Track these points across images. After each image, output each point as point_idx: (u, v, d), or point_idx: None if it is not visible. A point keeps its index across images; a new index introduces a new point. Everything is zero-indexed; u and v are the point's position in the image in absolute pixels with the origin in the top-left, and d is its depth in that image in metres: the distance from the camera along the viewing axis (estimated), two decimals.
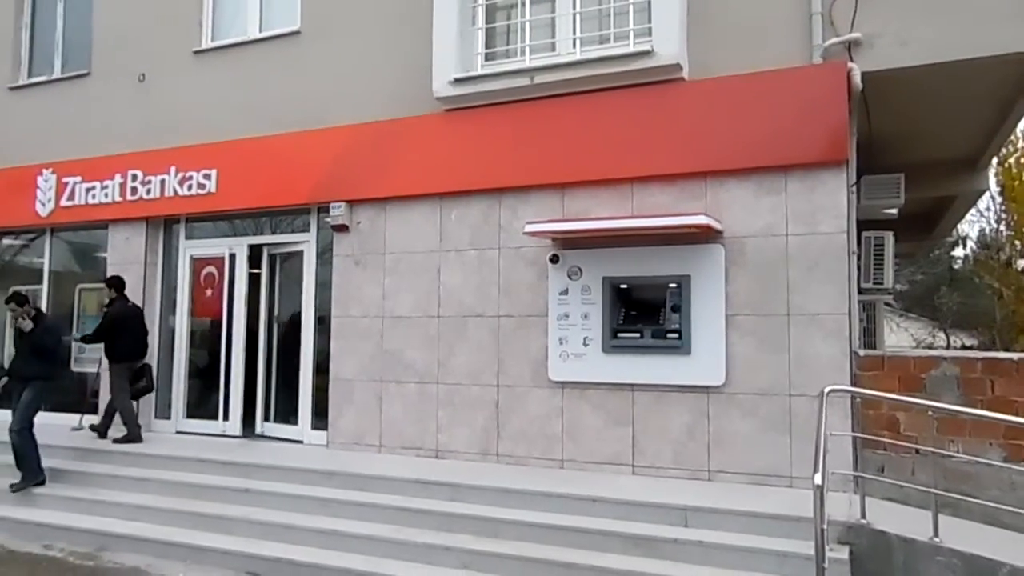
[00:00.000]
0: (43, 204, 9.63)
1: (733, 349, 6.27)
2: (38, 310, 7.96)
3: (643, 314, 6.66)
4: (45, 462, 7.33)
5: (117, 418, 8.23)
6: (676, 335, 6.44)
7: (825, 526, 4.12)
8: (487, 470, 6.68)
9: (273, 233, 8.71)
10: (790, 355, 6.08)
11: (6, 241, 10.57)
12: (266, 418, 8.49)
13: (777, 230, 6.21)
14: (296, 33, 8.39)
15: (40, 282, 10.09)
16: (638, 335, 6.61)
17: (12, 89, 10.25)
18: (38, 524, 6.64)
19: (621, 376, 6.62)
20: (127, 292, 8.49)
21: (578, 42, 7.04)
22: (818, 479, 4.18)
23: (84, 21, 9.90)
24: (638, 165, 6.67)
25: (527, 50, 7.25)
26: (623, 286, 6.75)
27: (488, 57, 7.48)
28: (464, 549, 5.48)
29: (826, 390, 4.99)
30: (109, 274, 8.82)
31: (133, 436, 8.02)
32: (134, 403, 8.33)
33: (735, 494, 5.72)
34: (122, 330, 8.21)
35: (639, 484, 6.13)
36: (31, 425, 7.19)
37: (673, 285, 6.51)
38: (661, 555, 5.14)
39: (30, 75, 10.31)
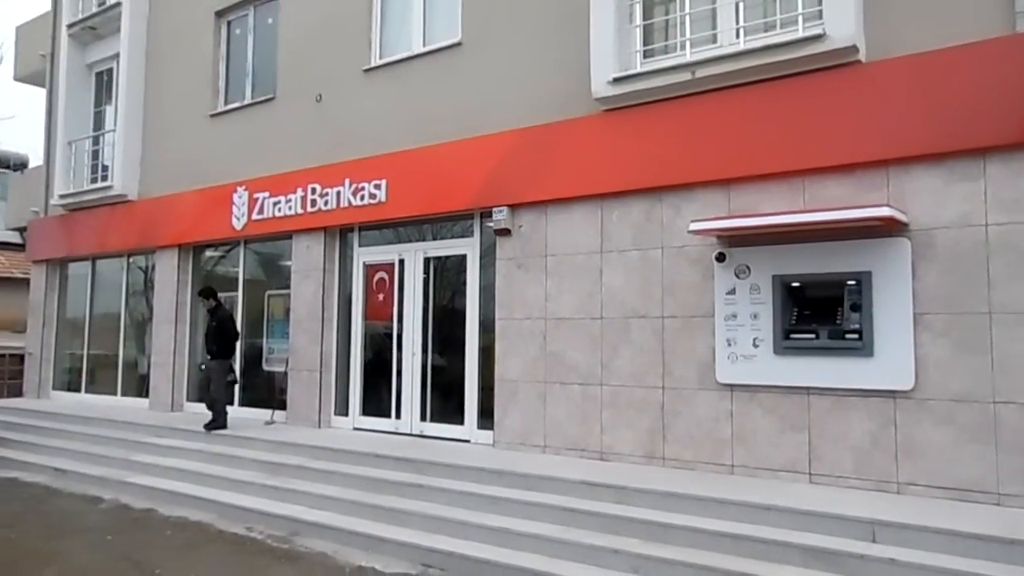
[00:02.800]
0: (237, 218, 10.63)
1: (923, 351, 5.75)
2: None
3: (818, 313, 6.28)
4: (244, 453, 8.17)
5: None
6: (856, 336, 6.02)
7: None
8: (653, 473, 6.57)
9: (436, 239, 9.08)
10: (993, 357, 5.49)
11: (208, 253, 11.77)
12: (433, 418, 8.84)
13: (974, 220, 5.64)
14: (457, 45, 8.71)
15: (235, 289, 11.16)
16: (813, 336, 6.24)
17: (212, 116, 11.42)
18: (242, 508, 7.34)
19: (795, 379, 6.28)
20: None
21: (742, 32, 6.77)
22: None
23: (270, 50, 10.85)
24: (810, 156, 6.30)
25: (687, 44, 7.08)
26: (795, 284, 6.40)
27: (647, 54, 7.38)
28: (633, 553, 5.42)
29: None
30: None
31: (221, 423, 9.29)
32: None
33: (930, 509, 5.25)
34: (230, 330, 9.57)
35: (817, 493, 5.78)
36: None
37: (852, 282, 6.08)
38: (846, 571, 4.81)
39: (226, 102, 11.43)
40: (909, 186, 5.90)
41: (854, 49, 6.06)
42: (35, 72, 15.46)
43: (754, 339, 6.48)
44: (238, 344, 9.98)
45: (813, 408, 6.19)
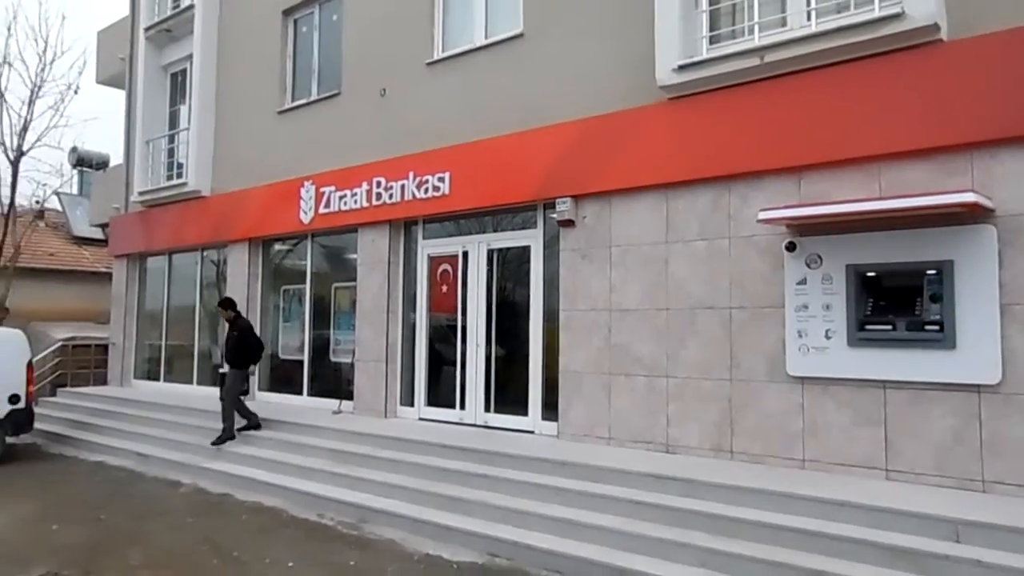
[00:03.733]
0: (305, 212, 10.88)
1: (1011, 343, 5.49)
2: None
3: (895, 304, 6.06)
4: (314, 441, 8.41)
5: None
6: (937, 327, 5.78)
7: None
8: (721, 467, 6.47)
9: (498, 231, 9.11)
10: None
11: (276, 246, 12.10)
12: (497, 408, 8.88)
13: None
14: (519, 36, 8.69)
15: (303, 282, 11.44)
16: (890, 327, 6.02)
17: (280, 113, 11.71)
18: (312, 495, 7.54)
19: (870, 372, 6.07)
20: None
21: (813, 14, 6.55)
22: None
23: (335, 47, 11.04)
24: (886, 141, 6.06)
25: (756, 28, 6.89)
26: (870, 274, 6.19)
27: (713, 40, 7.22)
28: (700, 547, 5.36)
29: None
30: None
31: (228, 436, 9.26)
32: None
33: (1020, 510, 5.01)
34: (250, 341, 9.61)
35: (895, 490, 5.59)
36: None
37: (932, 272, 5.84)
38: (928, 572, 4.65)
39: (293, 99, 11.70)
40: (996, 170, 5.62)
41: (935, 28, 5.80)
42: (115, 75, 16.12)
43: (826, 330, 6.29)
44: (262, 355, 10.01)
45: (890, 402, 5.98)
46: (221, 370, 9.53)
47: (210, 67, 12.98)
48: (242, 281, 12.04)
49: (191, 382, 13.24)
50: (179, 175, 13.32)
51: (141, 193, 13.90)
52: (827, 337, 6.29)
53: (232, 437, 9.30)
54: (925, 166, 5.93)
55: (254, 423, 9.45)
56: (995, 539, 4.68)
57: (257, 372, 11.75)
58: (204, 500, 7.95)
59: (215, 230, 12.46)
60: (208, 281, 13.40)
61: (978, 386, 5.59)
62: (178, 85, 14.25)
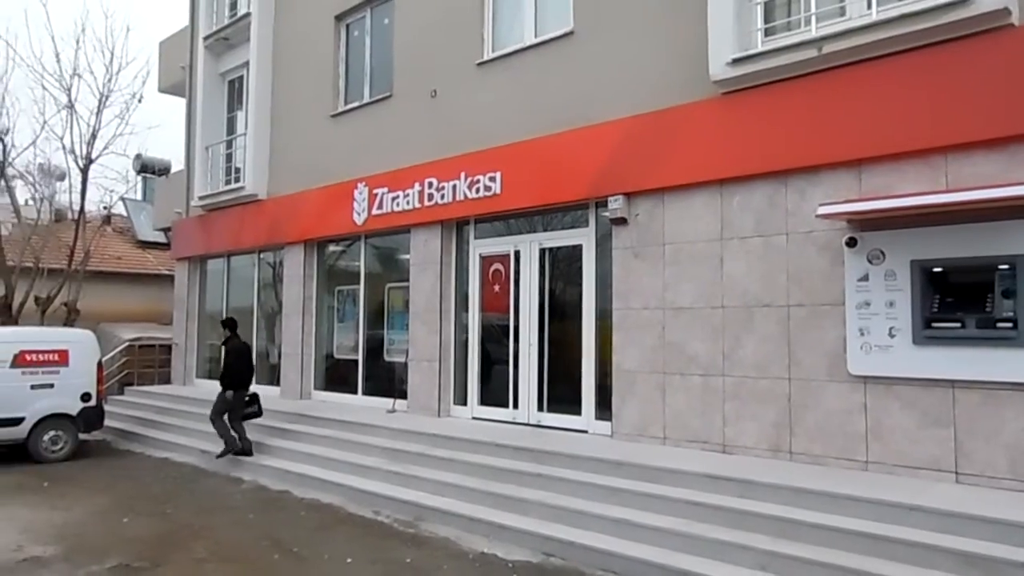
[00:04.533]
0: (358, 214, 11.04)
1: None
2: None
3: (964, 300, 5.84)
4: (369, 440, 8.60)
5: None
6: (1010, 324, 5.55)
7: None
8: (780, 468, 6.33)
9: (549, 230, 9.09)
10: None
11: (331, 248, 12.32)
12: (550, 408, 8.86)
13: None
14: (569, 34, 8.66)
15: (357, 283, 11.62)
16: (958, 324, 5.80)
17: (333, 116, 11.91)
18: (368, 492, 7.65)
19: (937, 371, 5.87)
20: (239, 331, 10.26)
21: (874, 2, 6.35)
22: None
23: (387, 49, 11.18)
24: (953, 131, 5.85)
25: (812, 19, 6.72)
26: (937, 270, 5.98)
27: (768, 32, 7.07)
28: (761, 549, 5.25)
29: None
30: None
31: (230, 447, 9.22)
32: (243, 424, 9.48)
33: None
34: (237, 362, 9.58)
35: (966, 494, 5.39)
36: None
37: (1004, 267, 5.61)
38: None
39: (346, 103, 11.89)
40: None
41: (1005, 12, 5.57)
42: (176, 83, 16.64)
43: (890, 328, 6.10)
44: (252, 378, 9.86)
45: (959, 402, 5.76)
46: (227, 394, 9.41)
47: (265, 73, 13.28)
48: (298, 282, 12.29)
49: None
50: (237, 179, 13.68)
51: (201, 197, 14.32)
52: (891, 335, 6.10)
53: (241, 451, 9.24)
54: (995, 157, 5.70)
55: (238, 448, 9.25)
56: None
57: (312, 371, 11.96)
58: (264, 496, 8.15)
59: (271, 232, 12.74)
60: (265, 282, 13.72)
61: None
62: (235, 92, 14.64)
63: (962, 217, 5.72)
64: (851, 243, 6.32)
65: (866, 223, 6.24)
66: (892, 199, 5.91)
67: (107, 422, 11.20)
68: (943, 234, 5.86)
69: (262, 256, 13.70)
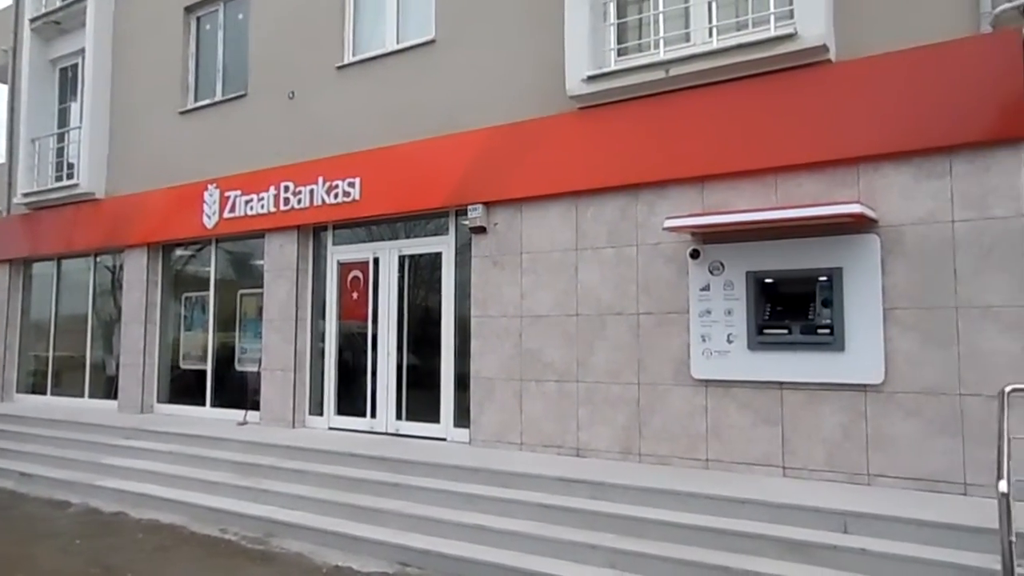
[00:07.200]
0: (209, 216, 10.48)
1: (892, 345, 5.86)
2: None
3: (791, 309, 6.37)
4: (217, 454, 8.07)
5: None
6: (828, 331, 6.12)
7: (1013, 538, 3.77)
8: (630, 469, 6.62)
9: (410, 237, 9.04)
10: (959, 351, 5.62)
11: (178, 252, 11.60)
12: (409, 416, 8.78)
13: (941, 216, 5.75)
14: (431, 42, 8.67)
15: (207, 289, 11.01)
16: (786, 331, 6.33)
17: (181, 113, 11.25)
18: (215, 509, 7.24)
19: (769, 374, 6.36)
20: None
21: (715, 31, 6.84)
22: (1003, 487, 3.84)
23: (241, 47, 10.71)
24: (782, 154, 6.39)
25: (661, 43, 7.14)
26: (768, 280, 6.49)
27: (621, 52, 7.42)
28: (610, 548, 5.45)
29: (1007, 389, 4.56)
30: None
31: None
32: None
33: (899, 500, 5.35)
34: None
35: (791, 486, 5.87)
36: None
37: (823, 278, 6.18)
38: (819, 562, 4.89)
39: (196, 99, 11.27)
40: (879, 183, 6.01)
41: (824, 48, 6.16)
42: None
43: (728, 335, 6.55)
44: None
45: (786, 402, 6.28)
46: None
47: (104, 63, 12.34)
48: (140, 288, 11.48)
49: (82, 395, 12.48)
50: (70, 176, 12.58)
51: (26, 195, 13.03)
52: (729, 341, 6.55)
53: None
54: (818, 178, 6.27)
55: None
56: (878, 528, 4.97)
57: (156, 383, 11.22)
58: (95, 520, 7.50)
59: (110, 234, 11.82)
60: (102, 288, 12.69)
61: (864, 385, 5.94)
62: (68, 81, 13.48)
63: (789, 232, 6.25)
64: (694, 255, 6.74)
65: (707, 236, 6.68)
66: (728, 214, 6.37)
67: None
68: (773, 248, 6.38)
69: (99, 260, 12.67)
